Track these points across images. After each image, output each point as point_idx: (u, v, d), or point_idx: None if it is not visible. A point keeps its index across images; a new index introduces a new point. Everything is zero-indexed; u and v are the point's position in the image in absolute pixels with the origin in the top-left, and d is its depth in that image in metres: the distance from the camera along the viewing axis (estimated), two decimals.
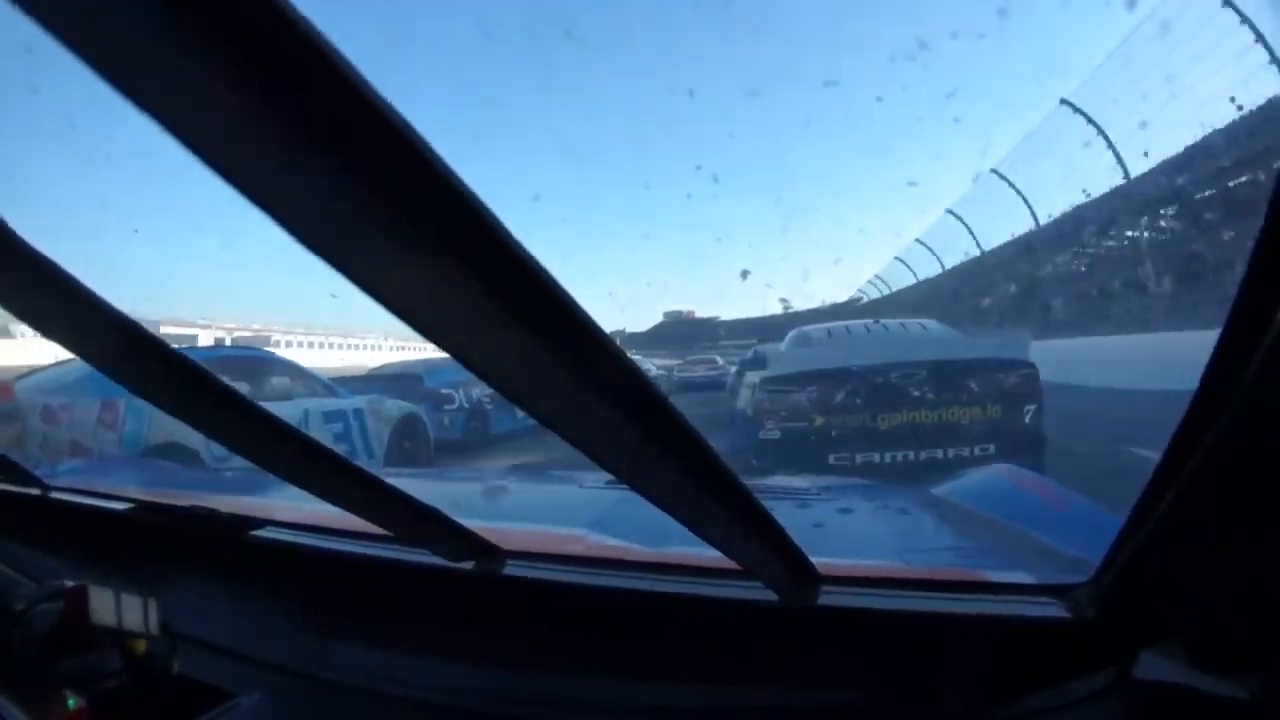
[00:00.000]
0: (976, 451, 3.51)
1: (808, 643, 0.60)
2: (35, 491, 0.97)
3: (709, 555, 0.52)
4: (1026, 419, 3.61)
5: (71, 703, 0.53)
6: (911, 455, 3.54)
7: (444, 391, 7.10)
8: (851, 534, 1.03)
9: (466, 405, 7.25)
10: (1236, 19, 10.93)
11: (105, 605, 0.56)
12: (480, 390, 7.17)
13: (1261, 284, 0.30)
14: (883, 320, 5.25)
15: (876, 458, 3.58)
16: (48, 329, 0.42)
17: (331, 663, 0.70)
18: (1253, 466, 0.35)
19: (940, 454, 3.51)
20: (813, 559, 0.55)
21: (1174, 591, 0.47)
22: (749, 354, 6.25)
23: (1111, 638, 0.51)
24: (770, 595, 0.56)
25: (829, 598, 0.58)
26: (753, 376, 4.48)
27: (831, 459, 3.57)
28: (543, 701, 0.62)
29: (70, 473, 1.47)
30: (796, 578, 0.56)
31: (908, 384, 3.68)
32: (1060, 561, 0.74)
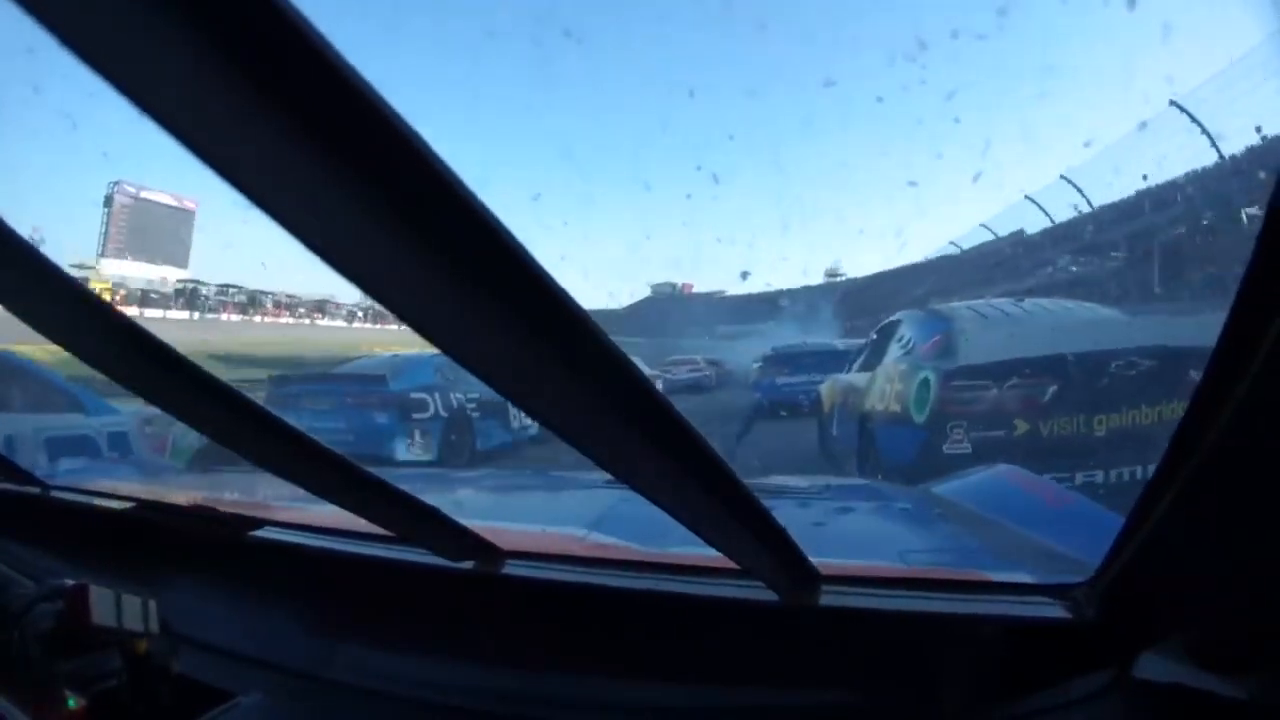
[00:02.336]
0: None
1: (808, 643, 0.60)
2: (35, 491, 0.97)
3: (709, 555, 0.52)
4: None
5: (71, 703, 0.53)
6: (1140, 472, 2.68)
7: (415, 397, 5.59)
8: (852, 533, 1.03)
9: (444, 414, 5.73)
10: None
11: (105, 605, 0.56)
12: (462, 395, 5.82)
13: (1261, 284, 0.30)
14: (1039, 300, 4.12)
15: (1100, 477, 2.72)
16: (48, 329, 0.42)
17: (331, 663, 0.70)
18: (1253, 466, 0.35)
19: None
20: (813, 558, 0.55)
21: (1174, 591, 0.47)
22: (872, 336, 4.65)
23: (1111, 638, 0.51)
24: (770, 595, 0.56)
25: (829, 598, 0.58)
26: (905, 366, 3.42)
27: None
28: (543, 701, 0.62)
29: (70, 472, 1.47)
30: (796, 577, 0.56)
31: (1127, 377, 2.88)
32: (1060, 561, 0.74)
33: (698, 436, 0.37)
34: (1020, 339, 3.27)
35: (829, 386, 5.08)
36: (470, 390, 5.83)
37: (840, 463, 4.29)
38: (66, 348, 0.44)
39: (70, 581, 0.58)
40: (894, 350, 3.86)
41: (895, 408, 3.40)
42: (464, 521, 0.64)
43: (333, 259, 0.24)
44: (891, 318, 4.29)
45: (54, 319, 0.43)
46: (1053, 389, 2.91)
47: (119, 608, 0.57)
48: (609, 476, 0.41)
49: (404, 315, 0.27)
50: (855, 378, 4.37)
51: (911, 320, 3.96)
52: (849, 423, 4.19)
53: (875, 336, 4.48)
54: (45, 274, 0.40)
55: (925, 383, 3.17)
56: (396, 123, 0.22)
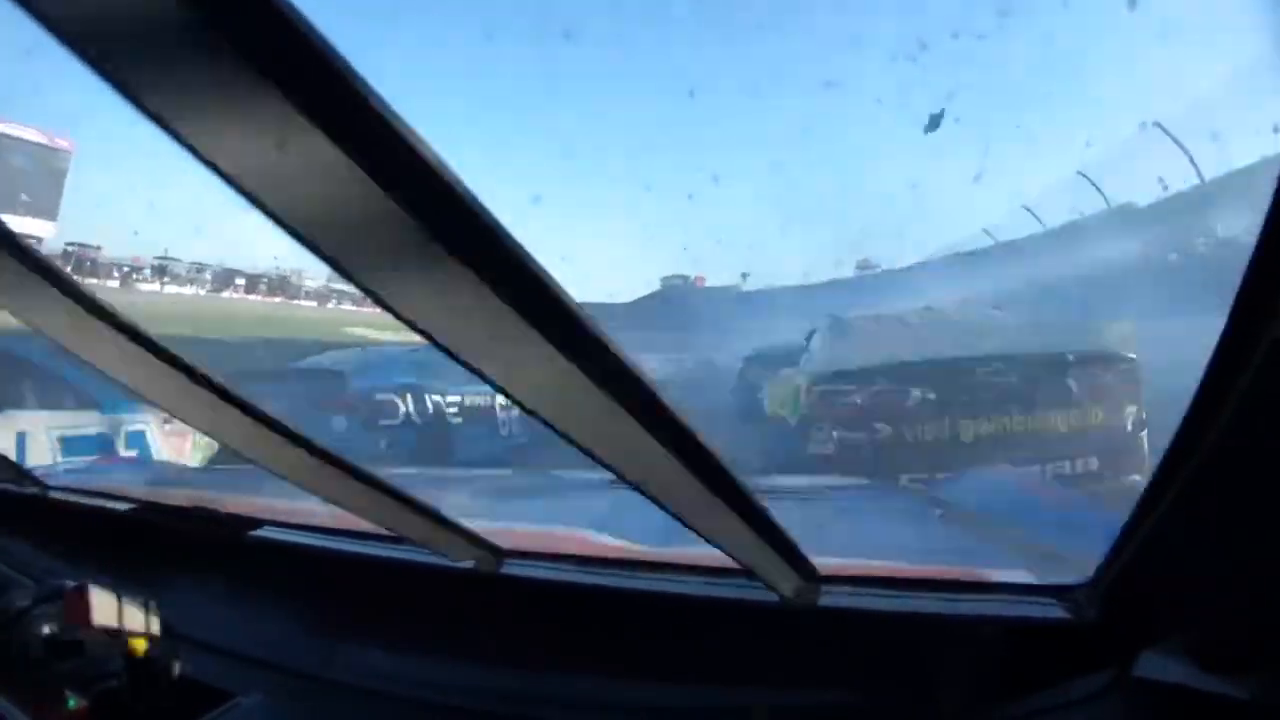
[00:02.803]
0: (1078, 468, 2.86)
1: (808, 643, 0.60)
2: (35, 491, 0.97)
3: (709, 555, 0.52)
4: (1128, 425, 2.95)
5: (71, 703, 0.53)
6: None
7: (380, 398, 4.80)
8: (852, 533, 1.04)
9: (418, 420, 4.93)
10: None
11: (105, 605, 0.56)
12: (440, 397, 5.06)
13: (1261, 284, 0.30)
14: (936, 308, 4.33)
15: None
16: (48, 329, 0.42)
17: (332, 662, 0.70)
18: (1253, 467, 0.35)
19: (1036, 471, 2.73)
20: (813, 558, 0.55)
21: (1174, 592, 0.47)
22: (766, 346, 4.96)
23: (1112, 638, 0.50)
24: (770, 595, 0.56)
25: (829, 598, 0.58)
26: (789, 373, 3.70)
27: (904, 480, 2.64)
28: (543, 701, 0.62)
29: (70, 473, 1.47)
30: (797, 577, 0.56)
31: (995, 383, 2.98)
32: (1060, 561, 0.74)
33: (698, 435, 0.37)
34: (880, 348, 3.34)
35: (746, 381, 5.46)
36: (453, 392, 5.13)
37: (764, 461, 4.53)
38: (61, 343, 0.44)
39: (70, 582, 0.58)
40: (801, 355, 4.19)
41: (780, 410, 3.74)
42: (464, 521, 0.64)
43: (333, 261, 0.24)
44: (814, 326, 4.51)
45: (54, 319, 0.43)
46: (917, 394, 3.01)
47: (119, 608, 0.57)
48: (609, 476, 0.41)
49: (404, 316, 0.27)
50: (764, 379, 4.79)
51: (821, 327, 4.17)
52: (766, 423, 4.53)
53: (805, 341, 4.69)
54: (46, 274, 0.40)
55: (797, 388, 3.40)
56: (395, 123, 0.22)
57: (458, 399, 5.23)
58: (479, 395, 5.16)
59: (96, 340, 0.44)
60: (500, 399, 3.85)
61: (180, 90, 0.20)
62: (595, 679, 0.63)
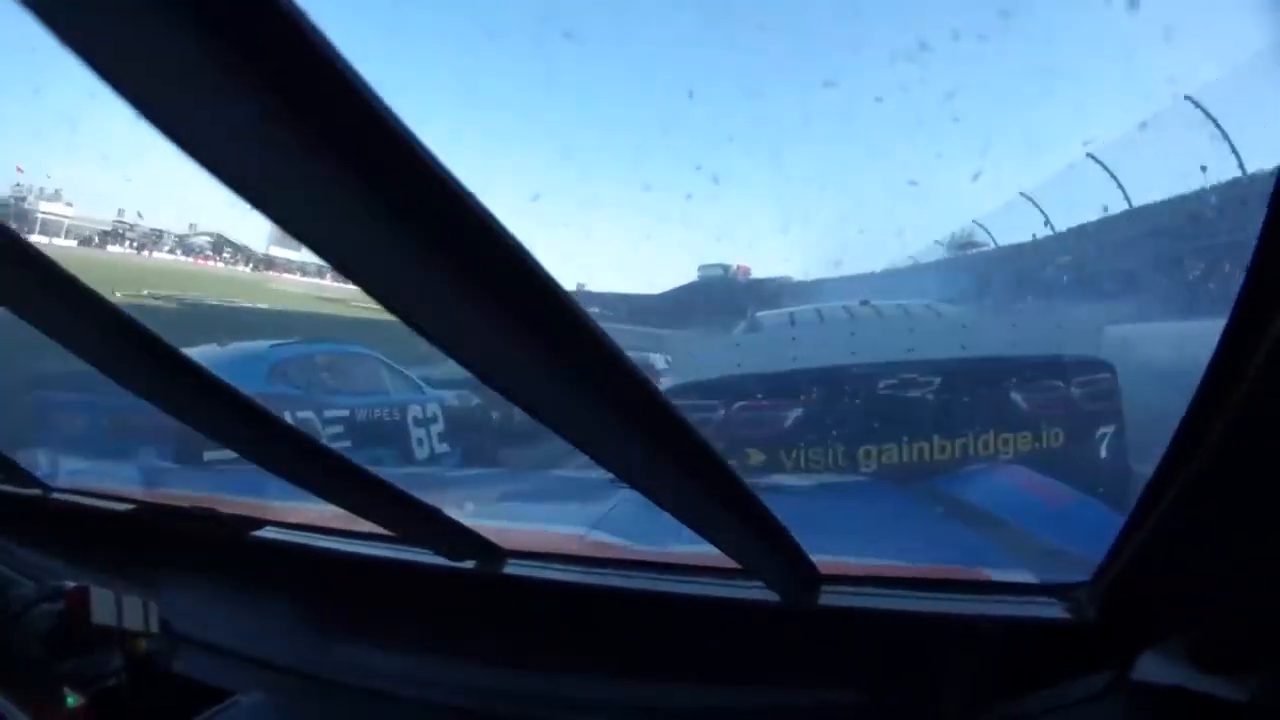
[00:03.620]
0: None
1: (808, 643, 0.60)
2: (36, 492, 0.97)
3: (710, 554, 0.52)
4: (1102, 449, 2.30)
5: (71, 702, 0.53)
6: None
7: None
8: (853, 532, 1.04)
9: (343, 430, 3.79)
10: None
11: (105, 605, 0.56)
12: (314, 413, 3.73)
13: (1262, 285, 0.30)
14: (873, 302, 3.52)
15: None
16: (48, 329, 0.42)
17: (331, 662, 0.70)
18: (1253, 467, 0.35)
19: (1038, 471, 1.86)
20: (814, 557, 0.55)
21: (1175, 592, 0.47)
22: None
23: (1112, 638, 0.50)
24: (771, 595, 0.56)
25: (830, 597, 0.58)
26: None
27: None
28: (543, 701, 0.62)
29: (71, 473, 1.47)
30: (797, 577, 0.56)
31: (912, 396, 2.37)
32: (1061, 561, 0.74)
33: (699, 436, 0.37)
34: (765, 352, 2.69)
35: None
36: (339, 404, 3.91)
37: None
38: (68, 347, 0.44)
39: (71, 582, 0.58)
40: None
41: None
42: (465, 521, 0.64)
43: (334, 260, 0.24)
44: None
45: (55, 319, 0.43)
46: (798, 412, 2.37)
47: (119, 608, 0.57)
48: (610, 476, 0.41)
49: (405, 316, 0.27)
50: None
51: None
52: None
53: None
54: (47, 274, 0.40)
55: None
56: (395, 124, 0.22)
57: (345, 414, 3.96)
58: (374, 411, 4.02)
59: (96, 338, 0.44)
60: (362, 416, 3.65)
61: (176, 87, 0.20)
62: (595, 679, 0.63)
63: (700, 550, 0.53)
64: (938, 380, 2.36)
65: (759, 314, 3.92)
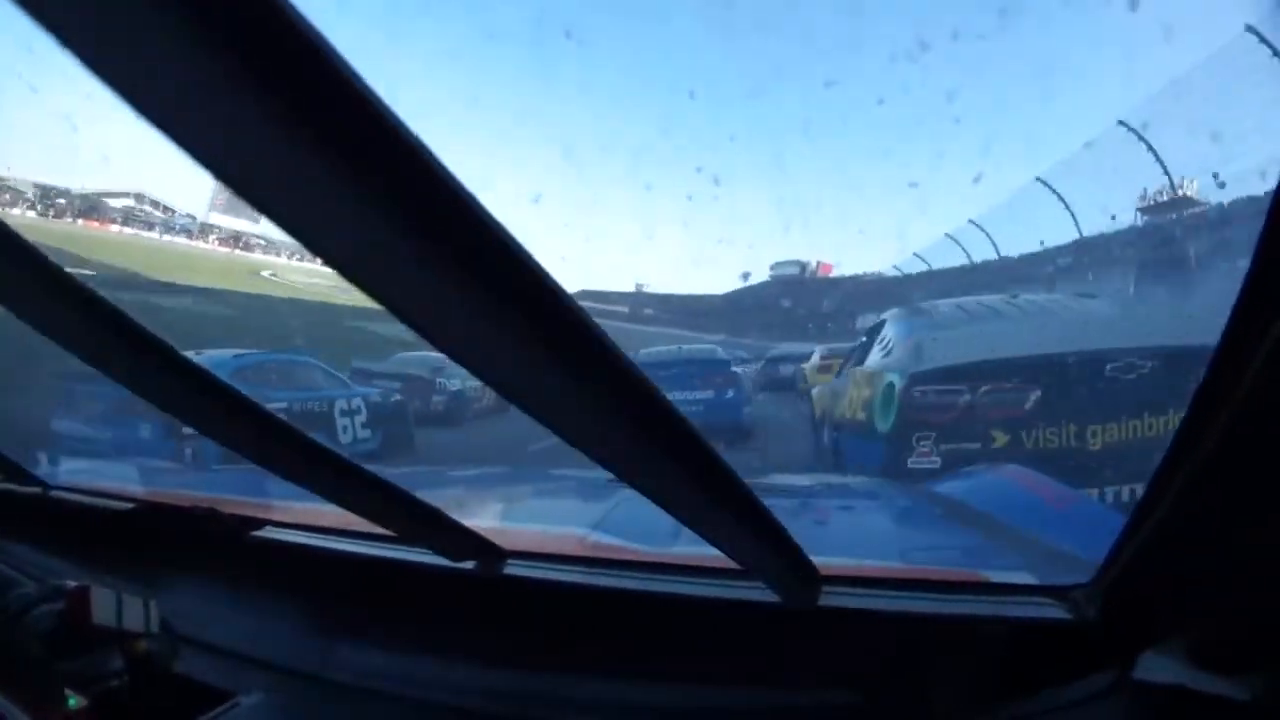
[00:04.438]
0: None
1: (808, 643, 0.60)
2: (36, 491, 0.97)
3: (710, 555, 0.52)
4: None
5: (72, 702, 0.53)
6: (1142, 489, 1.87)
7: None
8: (853, 533, 1.04)
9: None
10: None
11: (106, 605, 0.56)
12: (312, 394, 5.05)
13: (1262, 286, 0.30)
14: (1023, 296, 3.62)
15: (1095, 496, 2.30)
16: (48, 328, 0.42)
17: (332, 662, 0.70)
18: (1253, 466, 0.35)
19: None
20: (814, 558, 0.55)
21: (1175, 592, 0.47)
22: (862, 337, 4.07)
23: (1112, 638, 0.50)
24: (771, 595, 0.56)
25: (830, 598, 0.58)
26: (873, 370, 3.06)
27: None
28: (543, 701, 0.62)
29: (71, 472, 1.47)
30: (797, 577, 0.56)
31: (1126, 381, 2.48)
32: (1061, 561, 0.74)
33: (699, 436, 0.37)
34: (1001, 338, 2.88)
35: (818, 392, 4.70)
36: (280, 398, 4.45)
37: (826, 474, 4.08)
38: (67, 347, 0.44)
39: (71, 582, 0.58)
40: (875, 352, 3.52)
41: (861, 416, 3.11)
42: (465, 521, 0.64)
43: (334, 261, 0.24)
44: (882, 315, 3.90)
45: (55, 318, 0.43)
46: (1036, 395, 2.54)
47: (120, 608, 0.57)
48: (610, 476, 0.41)
49: (405, 317, 0.27)
50: (838, 383, 4.03)
51: (893, 318, 3.62)
52: (828, 431, 3.90)
53: (864, 338, 4.06)
54: (46, 274, 0.40)
55: (890, 387, 2.81)
56: (396, 125, 0.22)
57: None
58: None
59: (97, 339, 0.44)
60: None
61: (175, 87, 0.20)
62: (595, 679, 0.63)
63: (700, 551, 0.53)
64: (1149, 365, 2.50)
65: (922, 304, 3.93)
